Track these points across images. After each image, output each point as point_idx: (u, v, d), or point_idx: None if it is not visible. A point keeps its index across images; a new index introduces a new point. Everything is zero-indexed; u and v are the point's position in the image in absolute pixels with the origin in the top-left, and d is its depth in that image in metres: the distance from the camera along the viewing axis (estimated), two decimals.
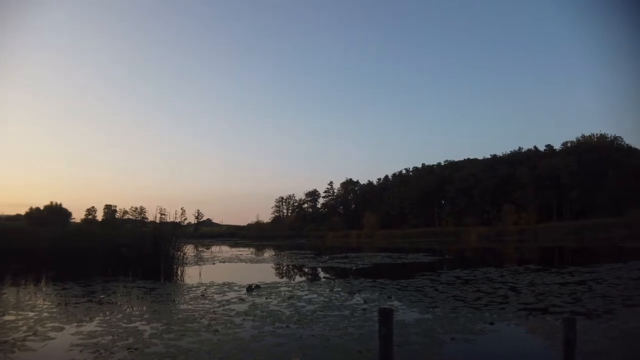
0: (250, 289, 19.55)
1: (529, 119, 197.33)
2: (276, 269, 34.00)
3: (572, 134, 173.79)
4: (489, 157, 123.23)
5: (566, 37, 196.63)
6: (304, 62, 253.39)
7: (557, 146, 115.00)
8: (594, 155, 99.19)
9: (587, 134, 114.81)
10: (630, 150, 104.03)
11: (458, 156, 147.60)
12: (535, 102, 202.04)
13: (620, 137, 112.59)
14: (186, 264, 28.02)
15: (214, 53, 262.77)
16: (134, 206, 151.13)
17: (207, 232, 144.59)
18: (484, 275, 23.37)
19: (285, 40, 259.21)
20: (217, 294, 18.56)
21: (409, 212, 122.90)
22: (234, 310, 14.51)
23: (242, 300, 16.69)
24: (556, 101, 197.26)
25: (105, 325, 12.23)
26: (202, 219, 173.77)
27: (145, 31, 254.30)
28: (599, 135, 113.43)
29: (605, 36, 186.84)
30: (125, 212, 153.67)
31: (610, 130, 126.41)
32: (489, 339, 10.68)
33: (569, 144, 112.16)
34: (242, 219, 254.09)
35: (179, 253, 26.18)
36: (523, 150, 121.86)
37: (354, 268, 30.87)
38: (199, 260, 38.42)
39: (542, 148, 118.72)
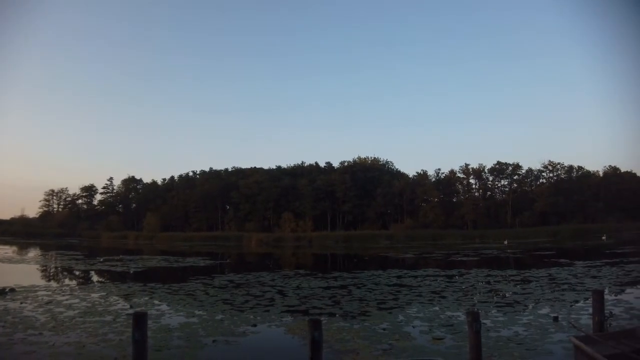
0: (3, 292, 18.05)
1: (314, 136, 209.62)
2: (39, 270, 31.12)
3: (349, 155, 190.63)
4: (274, 167, 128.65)
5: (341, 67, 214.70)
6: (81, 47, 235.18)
7: (336, 164, 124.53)
8: (367, 175, 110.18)
9: (363, 156, 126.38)
10: (398, 173, 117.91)
11: (245, 164, 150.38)
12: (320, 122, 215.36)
13: (391, 161, 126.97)
14: None
15: None
16: None
17: None
18: (257, 279, 24.07)
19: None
20: None
21: (192, 215, 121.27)
22: None
23: None
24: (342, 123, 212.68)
25: None
26: None
27: None
28: (372, 158, 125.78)
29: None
30: None
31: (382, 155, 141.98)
32: (249, 340, 10.97)
33: (346, 163, 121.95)
34: (3, 212, 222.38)
35: None
36: (305, 164, 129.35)
37: (127, 272, 29.66)
38: None
39: (322, 164, 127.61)
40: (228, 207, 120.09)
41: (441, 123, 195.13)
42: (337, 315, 13.92)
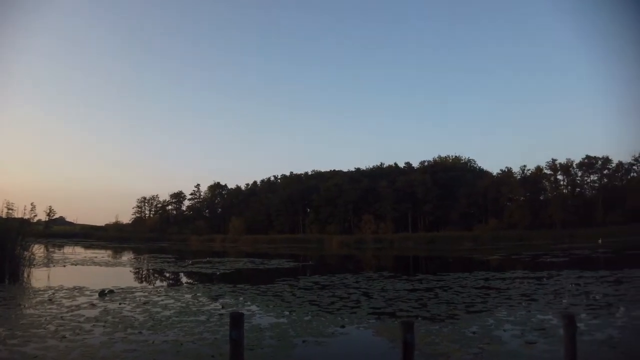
0: (103, 293, 18.87)
1: (393, 137, 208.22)
2: (134, 273, 32.69)
3: (430, 155, 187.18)
4: (353, 169, 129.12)
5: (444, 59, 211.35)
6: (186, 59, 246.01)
7: (416, 164, 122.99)
8: (448, 174, 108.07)
9: (443, 155, 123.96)
10: (481, 172, 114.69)
11: (324, 167, 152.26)
12: (396, 121, 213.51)
13: (473, 159, 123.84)
14: (34, 265, 26.16)
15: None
16: None
17: (59, 232, 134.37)
18: (341, 281, 24.34)
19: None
20: (66, 298, 17.74)
21: (275, 219, 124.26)
22: (84, 315, 13.98)
23: (93, 305, 16.07)
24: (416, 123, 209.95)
25: None
26: (54, 217, 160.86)
27: None
28: (453, 156, 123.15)
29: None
30: None
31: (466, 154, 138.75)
32: (338, 341, 11.22)
33: (426, 163, 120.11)
34: (99, 219, 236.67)
35: (26, 253, 24.35)
36: (384, 165, 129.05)
37: (216, 273, 30.66)
38: (48, 262, 36.11)
39: (401, 165, 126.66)
40: (309, 210, 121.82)
41: (524, 117, 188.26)
42: (418, 318, 13.91)
